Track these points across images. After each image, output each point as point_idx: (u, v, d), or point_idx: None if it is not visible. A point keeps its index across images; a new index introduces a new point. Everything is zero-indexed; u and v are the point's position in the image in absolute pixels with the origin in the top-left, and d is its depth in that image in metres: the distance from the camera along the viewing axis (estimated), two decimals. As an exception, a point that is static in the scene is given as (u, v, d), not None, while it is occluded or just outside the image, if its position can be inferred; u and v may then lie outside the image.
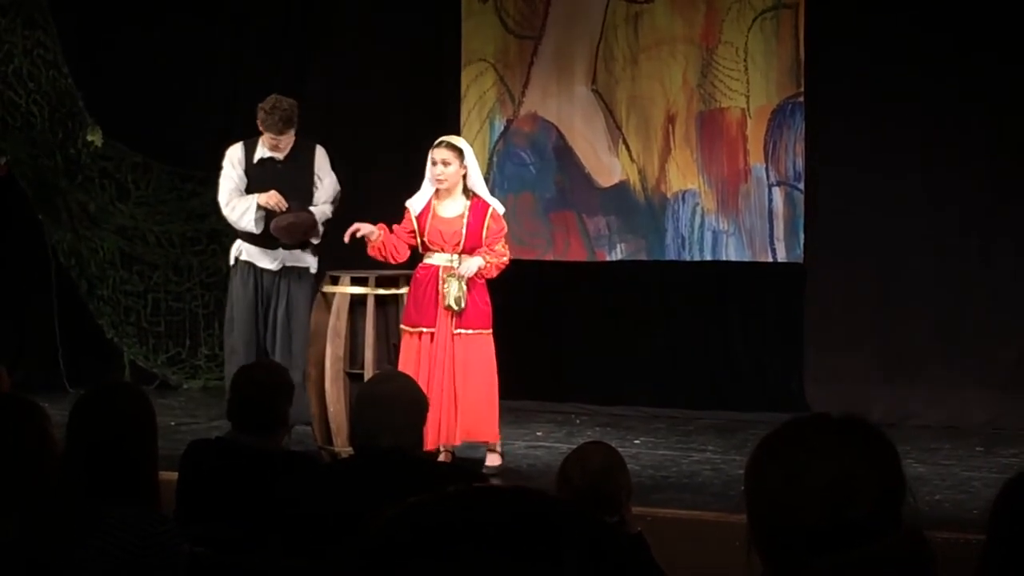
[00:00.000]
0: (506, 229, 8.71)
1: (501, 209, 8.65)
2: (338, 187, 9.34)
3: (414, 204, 8.69)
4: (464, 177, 8.59)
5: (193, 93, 11.76)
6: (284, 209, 8.97)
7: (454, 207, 8.61)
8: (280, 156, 9.15)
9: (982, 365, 10.14)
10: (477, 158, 8.96)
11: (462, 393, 8.48)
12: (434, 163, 8.58)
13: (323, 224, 9.23)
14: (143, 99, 11.68)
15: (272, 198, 8.97)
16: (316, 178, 9.25)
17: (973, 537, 5.91)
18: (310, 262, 9.28)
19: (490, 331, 8.56)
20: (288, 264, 9.20)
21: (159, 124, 11.59)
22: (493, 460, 8.67)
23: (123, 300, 11.47)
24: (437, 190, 8.62)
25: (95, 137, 11.20)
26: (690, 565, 6.80)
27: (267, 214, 9.02)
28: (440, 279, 8.48)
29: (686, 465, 9.03)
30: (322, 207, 9.22)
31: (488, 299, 8.60)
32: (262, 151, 9.15)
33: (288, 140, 9.08)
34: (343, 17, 11.59)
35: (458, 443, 8.58)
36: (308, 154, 9.25)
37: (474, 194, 8.64)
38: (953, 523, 6.87)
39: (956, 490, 8.11)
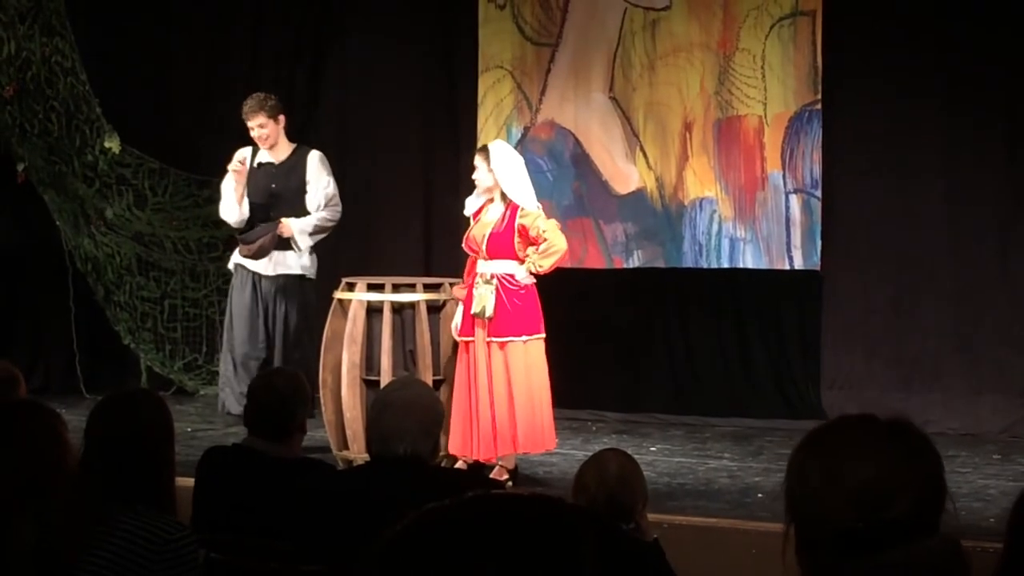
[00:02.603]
0: (542, 218, 8.44)
1: (530, 205, 8.49)
2: (331, 192, 9.58)
3: (468, 207, 8.79)
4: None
5: (209, 100, 11.79)
6: (246, 239, 9.43)
7: (495, 212, 8.59)
8: (277, 160, 9.53)
9: (999, 373, 10.12)
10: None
11: (498, 405, 8.40)
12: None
13: (314, 232, 9.54)
14: (160, 106, 11.73)
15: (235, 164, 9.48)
16: (307, 183, 9.54)
17: (990, 545, 5.89)
18: (306, 267, 9.57)
19: (525, 338, 8.42)
20: (282, 271, 9.52)
21: (176, 131, 11.63)
22: (497, 474, 8.49)
23: (140, 306, 11.49)
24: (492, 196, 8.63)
25: (112, 144, 11.23)
26: (706, 572, 6.80)
27: (250, 220, 9.51)
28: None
29: (702, 472, 9.01)
30: (311, 217, 9.51)
31: (529, 305, 8.46)
32: (262, 155, 9.55)
33: (265, 131, 9.44)
34: (358, 24, 11.61)
35: (482, 456, 8.48)
36: (302, 159, 9.58)
37: (510, 199, 8.55)
38: (970, 531, 6.85)
39: (973, 498, 8.09)
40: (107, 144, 11.23)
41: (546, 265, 8.41)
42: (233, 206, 9.53)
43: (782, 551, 2.37)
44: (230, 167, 9.48)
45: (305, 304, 9.54)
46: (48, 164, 11.06)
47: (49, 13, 11.05)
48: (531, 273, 8.43)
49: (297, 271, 9.53)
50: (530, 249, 8.43)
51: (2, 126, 10.85)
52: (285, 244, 9.49)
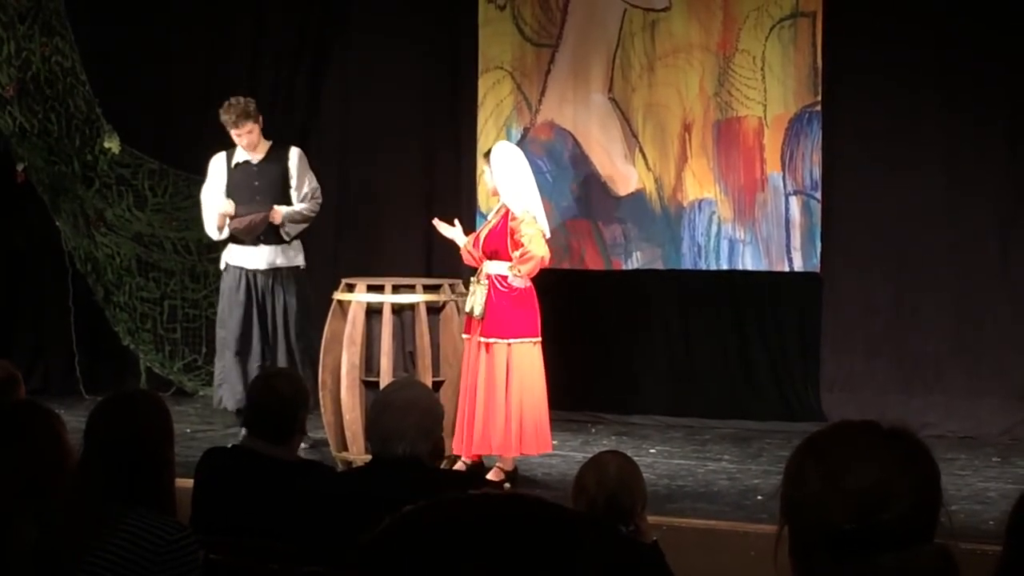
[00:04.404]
0: (527, 223, 8.51)
1: (519, 208, 8.59)
2: (315, 185, 9.78)
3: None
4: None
5: (209, 100, 11.77)
6: (236, 214, 9.54)
7: (497, 213, 8.76)
8: (256, 159, 9.65)
9: (999, 375, 10.11)
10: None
11: (477, 404, 8.48)
12: None
13: (299, 221, 9.69)
14: (160, 106, 11.72)
15: (224, 206, 9.59)
16: (291, 178, 9.70)
17: (989, 548, 5.89)
18: (299, 260, 9.77)
19: (510, 341, 8.49)
20: (279, 264, 9.68)
21: (176, 131, 11.63)
22: (494, 475, 8.56)
23: (139, 307, 11.48)
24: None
25: (112, 144, 11.22)
26: (705, 575, 6.80)
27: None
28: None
29: (701, 474, 9.02)
30: (297, 206, 9.66)
31: (521, 308, 8.53)
32: (240, 155, 9.68)
33: (252, 135, 9.57)
34: (359, 25, 11.60)
35: (471, 455, 8.57)
36: (283, 155, 9.75)
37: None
38: (969, 534, 6.85)
39: (972, 500, 8.10)
40: (107, 144, 11.22)
41: (524, 271, 8.50)
42: (214, 230, 9.71)
43: (774, 553, 2.38)
44: (222, 211, 9.57)
45: (302, 294, 9.71)
46: (48, 164, 11.05)
47: (49, 13, 11.04)
48: (516, 276, 8.49)
49: (291, 263, 9.70)
50: (515, 253, 8.50)
51: (2, 126, 10.84)
52: (275, 238, 9.60)
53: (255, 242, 9.59)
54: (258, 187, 9.59)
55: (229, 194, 9.60)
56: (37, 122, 10.99)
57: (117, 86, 11.58)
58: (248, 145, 9.56)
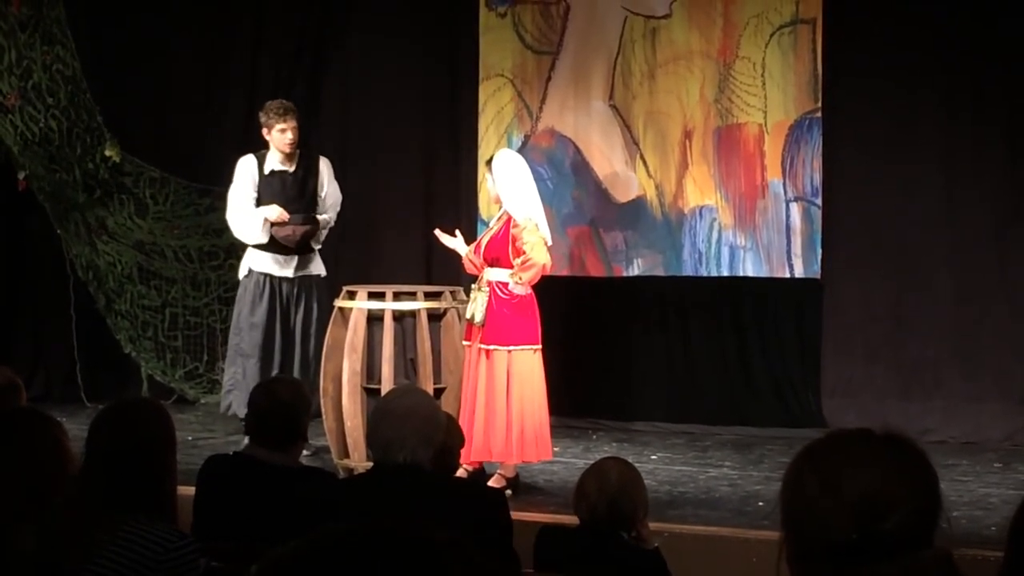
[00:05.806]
0: (529, 231, 8.48)
1: (521, 215, 8.59)
2: (339, 196, 9.86)
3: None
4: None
5: (210, 109, 11.79)
6: (286, 221, 9.49)
7: (498, 220, 8.76)
8: (290, 168, 9.60)
9: (1000, 381, 10.11)
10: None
11: (478, 411, 8.49)
12: None
13: (325, 230, 9.79)
14: (161, 114, 11.72)
15: (273, 212, 9.48)
16: (321, 187, 9.73)
17: (991, 554, 5.89)
18: (321, 268, 9.82)
19: (510, 348, 8.50)
20: (304, 272, 9.70)
21: (176, 139, 11.63)
22: (495, 482, 8.52)
23: (141, 315, 11.48)
24: None
25: (113, 152, 11.23)
26: (707, 581, 6.80)
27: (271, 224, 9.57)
28: None
29: (703, 481, 9.01)
30: (326, 216, 9.75)
31: (521, 315, 8.52)
32: (272, 163, 9.59)
33: (296, 132, 9.54)
34: (359, 31, 11.61)
35: (471, 462, 8.55)
36: (314, 165, 9.76)
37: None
38: (971, 540, 6.85)
39: (974, 506, 8.09)
40: (107, 152, 11.23)
41: (525, 278, 8.49)
42: (257, 234, 9.55)
43: (776, 562, 2.38)
44: (273, 219, 9.47)
45: (323, 303, 9.68)
46: (49, 173, 11.06)
47: (50, 22, 11.05)
48: (517, 283, 8.50)
49: (318, 271, 9.76)
50: (517, 260, 8.51)
51: (3, 135, 10.85)
52: (307, 246, 9.66)
53: (299, 250, 9.60)
54: (291, 195, 9.55)
55: (260, 199, 9.52)
56: (38, 130, 11.01)
57: (116, 89, 11.58)
58: (291, 143, 9.49)
